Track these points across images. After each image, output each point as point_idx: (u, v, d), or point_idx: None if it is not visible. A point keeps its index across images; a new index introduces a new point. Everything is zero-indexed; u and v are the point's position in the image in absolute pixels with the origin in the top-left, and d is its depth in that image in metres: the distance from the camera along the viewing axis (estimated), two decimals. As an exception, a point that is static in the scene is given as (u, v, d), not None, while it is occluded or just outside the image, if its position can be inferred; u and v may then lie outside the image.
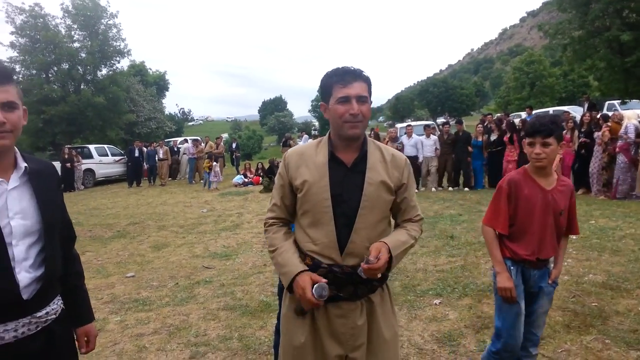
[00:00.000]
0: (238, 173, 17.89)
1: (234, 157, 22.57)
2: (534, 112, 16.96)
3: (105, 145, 22.86)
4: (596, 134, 9.64)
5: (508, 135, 11.30)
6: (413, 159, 11.77)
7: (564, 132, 10.11)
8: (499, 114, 18.59)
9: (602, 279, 4.65)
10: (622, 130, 8.89)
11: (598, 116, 10.30)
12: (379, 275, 1.80)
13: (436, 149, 12.31)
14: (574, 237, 6.20)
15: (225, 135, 42.92)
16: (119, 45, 29.30)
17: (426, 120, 45.56)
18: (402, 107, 77.76)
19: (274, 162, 15.83)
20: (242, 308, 4.67)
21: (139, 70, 41.65)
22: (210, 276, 5.94)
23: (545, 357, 3.27)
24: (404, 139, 12.59)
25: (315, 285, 1.77)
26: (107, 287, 5.79)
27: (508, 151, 11.18)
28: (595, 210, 7.86)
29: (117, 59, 29.78)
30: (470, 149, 11.94)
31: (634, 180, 8.96)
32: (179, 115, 66.36)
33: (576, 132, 10.20)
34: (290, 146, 20.08)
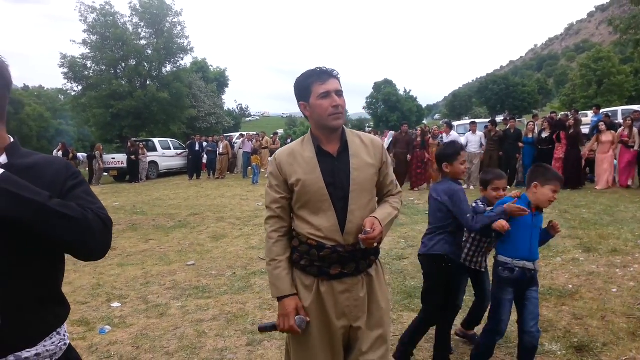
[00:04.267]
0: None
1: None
2: (601, 111, 16.11)
3: (168, 139, 23.76)
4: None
5: (556, 133, 11.33)
6: None
7: (622, 129, 10.09)
8: (558, 113, 17.81)
9: (673, 287, 4.41)
10: None
11: None
12: (375, 244, 2.06)
13: (481, 144, 12.48)
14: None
15: (280, 131, 43.57)
16: (183, 43, 30.32)
17: (484, 118, 44.22)
18: (459, 104, 75.99)
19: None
20: (297, 299, 4.76)
21: (200, 67, 42.92)
22: (265, 267, 6.08)
23: (608, 365, 3.16)
24: (443, 136, 12.84)
25: (297, 317, 2.05)
26: (169, 274, 6.07)
27: (556, 149, 11.30)
28: (669, 215, 7.42)
29: (181, 55, 30.81)
30: (520, 144, 11.97)
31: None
32: (237, 111, 67.90)
33: (635, 130, 10.23)
34: None
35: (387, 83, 72.62)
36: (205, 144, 20.05)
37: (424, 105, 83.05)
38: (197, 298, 5.16)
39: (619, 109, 22.47)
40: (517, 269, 2.93)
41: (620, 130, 10.66)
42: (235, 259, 6.68)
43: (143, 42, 29.50)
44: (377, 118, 68.22)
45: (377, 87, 71.72)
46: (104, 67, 28.40)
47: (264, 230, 7.27)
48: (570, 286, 4.60)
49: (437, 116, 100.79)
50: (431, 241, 3.10)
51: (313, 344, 2.09)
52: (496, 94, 66.86)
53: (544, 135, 11.67)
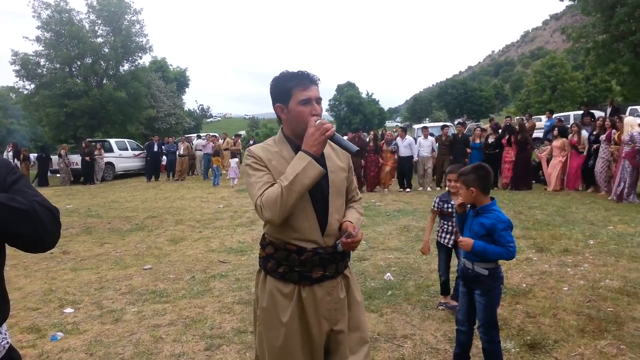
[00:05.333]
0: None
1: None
2: (554, 116, 16.75)
3: (126, 140, 23.20)
4: (601, 137, 10.24)
5: (507, 137, 11.88)
6: (408, 159, 12.81)
7: (570, 135, 10.64)
8: (513, 117, 18.38)
9: (619, 284, 4.60)
10: (626, 137, 9.18)
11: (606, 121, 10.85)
12: (356, 247, 2.09)
13: (433, 149, 12.95)
14: (591, 242, 6.19)
15: (243, 133, 43.25)
16: (142, 41, 29.64)
17: (444, 122, 45.26)
18: (419, 108, 77.43)
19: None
20: (256, 303, 4.72)
21: (160, 66, 42.14)
22: (226, 270, 6.02)
23: (559, 361, 3.26)
24: (398, 140, 13.19)
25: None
26: (125, 279, 5.89)
27: (506, 152, 11.86)
28: (614, 215, 7.76)
29: (139, 54, 30.11)
30: (468, 150, 12.40)
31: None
32: (197, 111, 66.95)
33: (583, 135, 10.87)
34: None
35: (350, 86, 73.28)
36: (164, 145, 19.66)
37: (386, 108, 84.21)
38: (154, 303, 5.03)
39: (571, 113, 23.41)
40: (462, 264, 3.08)
41: (570, 136, 11.20)
42: (195, 263, 6.56)
43: (100, 40, 28.67)
44: (340, 120, 68.70)
45: (340, 89, 72.28)
46: (58, 65, 27.42)
47: (225, 233, 7.16)
48: (524, 285, 4.73)
49: (398, 119, 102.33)
50: None
51: (295, 356, 2.00)
52: (455, 99, 68.48)
53: (490, 140, 12.23)
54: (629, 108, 22.94)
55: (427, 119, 67.16)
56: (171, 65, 47.13)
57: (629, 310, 4.02)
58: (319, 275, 1.99)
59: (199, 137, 22.48)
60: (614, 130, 9.87)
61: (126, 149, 21.82)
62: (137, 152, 22.04)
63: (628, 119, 10.11)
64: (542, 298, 4.37)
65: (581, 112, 23.86)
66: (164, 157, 19.65)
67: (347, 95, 69.45)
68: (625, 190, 9.23)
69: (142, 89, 29.52)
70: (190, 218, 10.07)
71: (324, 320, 2.01)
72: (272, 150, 2.03)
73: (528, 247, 6.13)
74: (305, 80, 2.01)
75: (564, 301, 4.27)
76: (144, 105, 30.08)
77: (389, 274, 5.37)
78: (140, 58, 30.72)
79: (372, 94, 73.72)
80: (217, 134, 23.01)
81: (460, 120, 28.30)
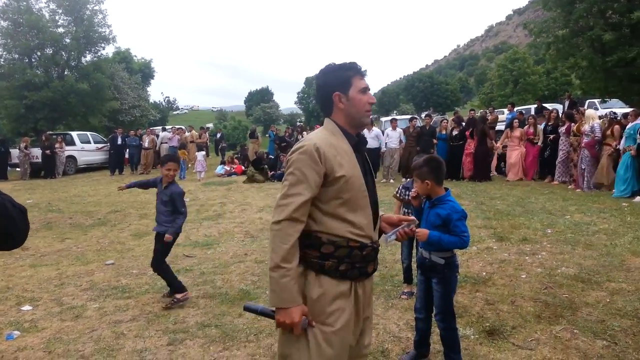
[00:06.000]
0: (223, 163, 17.84)
1: (219, 147, 22.47)
2: (515, 109, 17.18)
3: (88, 133, 22.57)
4: (560, 129, 10.62)
5: (470, 130, 12.29)
6: (375, 151, 12.81)
7: (527, 126, 11.16)
8: (477, 110, 18.79)
9: (574, 271, 4.78)
10: (587, 129, 9.56)
11: (561, 114, 11.65)
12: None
13: (400, 141, 13.19)
14: (549, 231, 6.40)
15: (210, 125, 42.71)
16: (104, 32, 28.83)
17: (411, 114, 45.82)
18: (387, 101, 77.98)
19: (263, 155, 15.81)
20: (221, 296, 4.70)
21: (124, 57, 41.04)
22: (191, 265, 5.95)
23: (515, 346, 3.36)
24: (365, 131, 13.12)
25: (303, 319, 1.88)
26: (86, 275, 5.77)
27: (467, 145, 12.25)
28: (571, 205, 8.03)
29: (102, 45, 29.34)
30: (435, 141, 12.70)
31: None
32: (164, 104, 65.67)
33: (539, 127, 11.39)
34: (257, 137, 20.20)
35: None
36: (127, 138, 19.22)
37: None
38: (116, 298, 4.95)
39: (532, 107, 24.04)
40: (419, 253, 3.15)
41: (525, 127, 11.60)
42: (159, 257, 6.46)
43: (61, 29, 27.74)
44: (309, 113, 68.54)
45: (309, 82, 72.03)
46: (16, 56, 26.42)
47: (190, 227, 7.01)
48: (484, 273, 4.86)
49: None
50: None
51: (345, 349, 1.97)
52: (422, 92, 69.28)
53: (454, 133, 12.56)
54: (587, 101, 23.74)
55: (395, 111, 67.70)
56: (135, 57, 45.98)
57: (583, 296, 4.18)
58: (372, 269, 2.03)
59: (164, 129, 22.05)
60: (572, 124, 10.21)
61: (89, 142, 21.24)
62: (100, 145, 21.49)
63: (589, 112, 10.52)
64: (501, 286, 4.50)
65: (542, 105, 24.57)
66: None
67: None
68: (585, 179, 9.61)
69: (105, 80, 28.76)
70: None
71: (367, 308, 2.09)
72: (336, 144, 1.95)
73: (489, 236, 6.29)
74: (361, 70, 2.07)
75: (522, 288, 4.41)
76: (107, 97, 29.29)
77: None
78: (103, 49, 30.01)
79: (341, 86, 73.72)
80: (183, 127, 22.64)
81: (427, 112, 28.72)
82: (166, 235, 4.77)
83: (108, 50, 33.16)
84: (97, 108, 28.34)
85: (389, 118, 20.06)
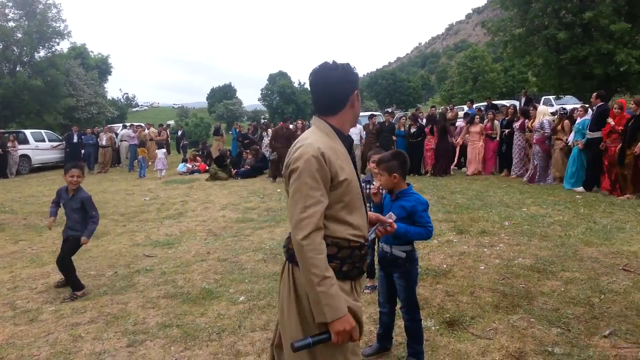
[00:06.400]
0: (185, 161, 17.53)
1: (181, 144, 22.08)
2: (474, 105, 17.60)
3: (43, 131, 21.71)
4: (515, 125, 11.01)
5: (429, 126, 12.55)
6: None
7: (486, 121, 11.49)
8: (438, 107, 19.12)
9: (531, 262, 4.93)
10: (537, 125, 9.97)
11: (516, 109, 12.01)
12: None
13: (361, 137, 13.39)
14: (506, 223, 6.58)
15: (171, 122, 41.88)
16: (59, 27, 27.89)
17: (374, 111, 46.27)
18: (351, 97, 78.44)
19: (226, 153, 15.60)
20: (183, 296, 4.62)
21: (79, 53, 39.77)
22: (151, 265, 5.82)
23: (474, 336, 3.44)
24: None
25: None
26: (41, 277, 5.57)
27: (427, 140, 12.48)
28: (528, 198, 8.28)
29: (57, 40, 28.35)
30: (394, 137, 12.94)
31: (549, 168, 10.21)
32: (122, 100, 63.95)
33: (496, 122, 11.80)
34: (222, 135, 19.97)
35: (282, 75, 72.86)
36: (84, 136, 18.62)
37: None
38: (73, 300, 4.79)
39: (482, 104, 24.64)
40: (380, 248, 3.18)
41: (485, 122, 11.93)
42: (117, 257, 6.30)
43: (12, 24, 26.61)
44: (273, 110, 68.21)
45: (272, 78, 71.68)
46: (-36, 51, 25.22)
47: (151, 226, 6.90)
48: (445, 266, 4.96)
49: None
50: None
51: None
52: (385, 89, 70.13)
53: (412, 130, 12.84)
54: (543, 98, 24.54)
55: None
56: (92, 52, 44.68)
57: (538, 286, 4.32)
58: (366, 266, 2.05)
59: (125, 127, 21.43)
60: (526, 120, 10.56)
61: (43, 141, 20.42)
62: (55, 144, 20.71)
63: (540, 108, 10.96)
64: (461, 277, 4.60)
65: (500, 102, 25.24)
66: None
67: (280, 84, 68.97)
68: (537, 173, 9.95)
69: (60, 76, 27.77)
70: (114, 212, 9.64)
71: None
72: (334, 147, 1.90)
73: (449, 229, 6.42)
74: None
75: (480, 279, 4.52)
76: (62, 94, 28.29)
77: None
78: (58, 44, 29.01)
79: (305, 83, 73.77)
80: (142, 124, 22.10)
81: (387, 109, 29.04)
82: (83, 239, 4.91)
83: (63, 46, 32.20)
84: (51, 105, 27.35)
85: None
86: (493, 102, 18.40)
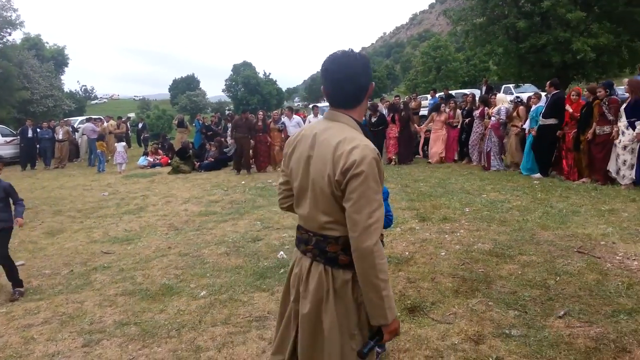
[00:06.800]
0: (146, 154, 17.10)
1: (141, 137, 21.54)
2: (437, 94, 17.81)
3: (-5, 125, 20.81)
4: (475, 113, 11.17)
5: (391, 115, 12.67)
6: None
7: (448, 110, 11.78)
8: (402, 96, 19.28)
9: (489, 247, 5.02)
10: (494, 112, 10.24)
11: (476, 98, 12.16)
12: None
13: None
14: (467, 209, 6.69)
15: (132, 115, 40.81)
16: (10, 16, 26.71)
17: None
18: (317, 88, 78.26)
19: (188, 145, 15.28)
20: (141, 292, 4.50)
21: (34, 44, 38.27)
22: (109, 261, 5.66)
23: (435, 321, 3.48)
24: (285, 120, 13.44)
25: None
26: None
27: (390, 129, 12.56)
28: (488, 185, 8.44)
29: (8, 30, 27.16)
30: None
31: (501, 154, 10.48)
32: (80, 93, 61.99)
33: (458, 111, 12.00)
34: (186, 127, 19.62)
35: (247, 65, 72.07)
36: (39, 129, 17.91)
37: (284, 89, 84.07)
38: (26, 301, 4.63)
39: (453, 92, 25.03)
40: None
41: (447, 110, 12.13)
42: (74, 255, 6.11)
43: (-43, 12, 25.32)
44: (237, 101, 67.44)
45: (236, 69, 70.81)
46: None
47: (109, 222, 6.72)
48: (407, 253, 4.99)
49: (297, 99, 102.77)
50: None
51: None
52: (350, 79, 70.29)
53: (373, 119, 12.79)
54: (504, 86, 25.08)
55: (325, 98, 68.16)
56: (47, 43, 43.03)
57: (497, 270, 4.40)
58: None
59: (89, 120, 20.60)
60: (486, 108, 10.76)
61: (-4, 136, 19.57)
62: (9, 139, 19.82)
63: (500, 96, 11.22)
64: (422, 264, 4.64)
65: (462, 90, 25.64)
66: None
67: (244, 75, 68.18)
68: (492, 158, 10.22)
69: (13, 68, 26.64)
70: (71, 208, 9.34)
71: None
72: None
73: (412, 217, 6.47)
74: None
75: (441, 265, 4.57)
76: (16, 86, 27.15)
77: (282, 252, 5.38)
78: (10, 34, 27.79)
79: (270, 74, 73.26)
80: (101, 117, 21.42)
81: None
82: (19, 219, 4.92)
83: (15, 36, 30.85)
84: (4, 99, 26.23)
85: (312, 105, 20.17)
86: (450, 92, 18.70)
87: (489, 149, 10.29)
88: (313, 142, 1.82)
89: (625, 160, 7.62)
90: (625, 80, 10.22)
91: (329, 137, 1.79)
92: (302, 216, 1.91)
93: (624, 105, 7.65)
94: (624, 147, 7.59)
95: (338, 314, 1.80)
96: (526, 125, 9.58)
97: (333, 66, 1.82)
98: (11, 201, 5.00)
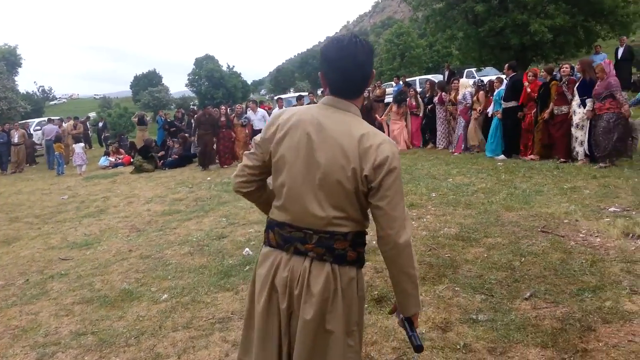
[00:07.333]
0: (107, 154, 16.58)
1: (102, 137, 20.91)
2: (400, 81, 17.85)
3: (-56, 131, 19.79)
4: (435, 99, 11.30)
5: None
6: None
7: (408, 99, 11.77)
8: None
9: (455, 231, 5.01)
10: (460, 97, 10.33)
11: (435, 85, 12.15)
12: None
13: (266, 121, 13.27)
14: (433, 194, 6.68)
15: (92, 114, 39.63)
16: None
17: (308, 92, 46.08)
18: (283, 79, 77.84)
19: (151, 143, 14.87)
20: (100, 299, 4.30)
21: (-18, 44, 36.59)
22: (67, 268, 5.41)
23: (402, 311, 3.42)
24: (250, 113, 13.26)
25: None
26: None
27: None
28: (453, 169, 8.48)
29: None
30: None
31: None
32: (37, 93, 59.87)
33: (419, 99, 12.06)
34: (146, 124, 19.16)
35: (209, 59, 70.73)
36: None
37: (249, 81, 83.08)
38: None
39: (417, 78, 25.19)
40: None
41: (408, 100, 12.13)
42: (30, 264, 5.83)
43: None
44: (202, 95, 66.20)
45: (199, 63, 69.43)
46: None
47: (68, 227, 6.45)
48: (374, 242, 4.89)
49: (263, 91, 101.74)
50: None
51: None
52: (316, 69, 69.72)
53: None
54: (466, 70, 25.36)
55: (292, 89, 67.66)
56: (-3, 43, 41.25)
57: (463, 254, 4.38)
58: None
59: (50, 121, 19.73)
60: (444, 94, 10.84)
61: (-55, 142, 18.63)
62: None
63: (462, 81, 11.29)
64: (389, 253, 4.57)
65: (425, 76, 25.81)
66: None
67: (207, 69, 66.87)
68: (463, 143, 10.33)
69: (-39, 71, 25.40)
70: (29, 214, 8.97)
71: None
72: None
73: (379, 206, 6.41)
74: None
75: (408, 253, 4.51)
76: (-35, 89, 25.96)
77: (247, 248, 5.25)
78: (-46, 35, 26.33)
79: (234, 66, 72.03)
80: (60, 118, 20.62)
81: (310, 90, 28.99)
82: None
83: (-39, 37, 29.29)
84: (-47, 103, 25.04)
85: (291, 95, 19.97)
86: (407, 79, 18.83)
87: (460, 133, 10.42)
88: (319, 130, 1.67)
89: (576, 137, 7.87)
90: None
91: (344, 127, 1.67)
92: (294, 211, 1.73)
93: (576, 85, 7.81)
94: (576, 126, 7.81)
95: (343, 312, 1.73)
96: (490, 109, 9.68)
97: (340, 55, 1.68)
98: None
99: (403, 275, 1.74)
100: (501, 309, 3.32)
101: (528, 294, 3.47)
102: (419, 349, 1.77)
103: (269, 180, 1.88)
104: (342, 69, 1.69)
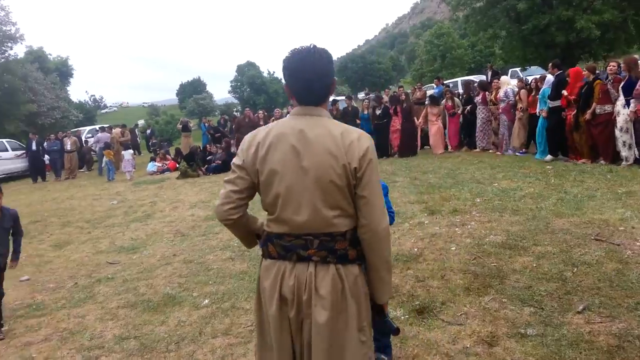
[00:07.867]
0: (154, 160, 17.05)
1: (150, 143, 21.57)
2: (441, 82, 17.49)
3: (4, 140, 20.87)
4: (476, 99, 10.93)
5: (393, 107, 12.40)
6: None
7: (444, 100, 11.53)
8: (405, 87, 19.00)
9: (502, 239, 4.81)
10: (501, 95, 10.03)
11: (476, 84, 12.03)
12: None
13: None
14: (478, 200, 6.47)
15: (141, 122, 40.99)
16: (10, 30, 26.75)
17: (346, 96, 46.00)
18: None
19: (196, 149, 15.21)
20: (143, 304, 4.38)
21: (37, 56, 38.45)
22: (114, 272, 5.56)
23: (445, 322, 3.30)
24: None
25: None
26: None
27: (392, 122, 12.32)
28: (499, 173, 8.19)
29: (9, 45, 27.20)
30: (358, 121, 12.76)
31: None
32: (90, 102, 62.50)
33: (457, 99, 11.78)
34: (190, 130, 19.58)
35: (251, 65, 71.88)
36: (45, 142, 17.99)
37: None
38: (28, 318, 4.53)
39: (458, 79, 24.68)
40: None
41: (443, 101, 11.89)
42: (79, 267, 6.03)
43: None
44: (244, 101, 67.29)
45: (241, 70, 70.66)
46: None
47: (116, 231, 6.66)
48: (416, 250, 4.80)
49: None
50: None
51: None
52: (355, 72, 69.74)
53: (378, 112, 12.67)
54: (510, 70, 24.64)
55: (332, 93, 67.81)
56: (50, 55, 43.32)
57: (510, 263, 4.20)
58: None
59: (102, 129, 20.54)
60: (487, 93, 10.53)
61: (6, 150, 19.58)
62: (19, 152, 19.92)
63: (503, 78, 11.00)
64: (432, 261, 4.45)
65: (468, 77, 25.24)
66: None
67: (249, 75, 67.99)
68: (504, 142, 10.08)
69: (18, 82, 26.66)
70: (80, 218, 9.29)
71: None
72: None
73: (421, 211, 6.27)
74: None
75: (451, 261, 4.38)
76: (22, 100, 27.19)
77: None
78: (11, 49, 27.81)
79: (274, 72, 72.96)
80: (111, 126, 21.40)
81: (346, 94, 28.91)
82: (13, 263, 4.39)
83: (18, 50, 30.99)
84: (11, 113, 26.32)
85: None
86: (443, 81, 18.46)
87: (502, 134, 10.15)
88: (302, 138, 1.72)
89: (624, 142, 7.48)
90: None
91: (324, 130, 1.74)
92: (294, 220, 1.75)
93: (621, 84, 7.42)
94: (621, 129, 7.44)
95: (354, 310, 1.78)
96: (537, 109, 9.36)
97: (302, 66, 1.76)
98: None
99: (383, 263, 1.80)
100: (552, 323, 3.15)
101: (581, 307, 3.27)
102: (397, 332, 1.98)
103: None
104: (303, 79, 1.77)
